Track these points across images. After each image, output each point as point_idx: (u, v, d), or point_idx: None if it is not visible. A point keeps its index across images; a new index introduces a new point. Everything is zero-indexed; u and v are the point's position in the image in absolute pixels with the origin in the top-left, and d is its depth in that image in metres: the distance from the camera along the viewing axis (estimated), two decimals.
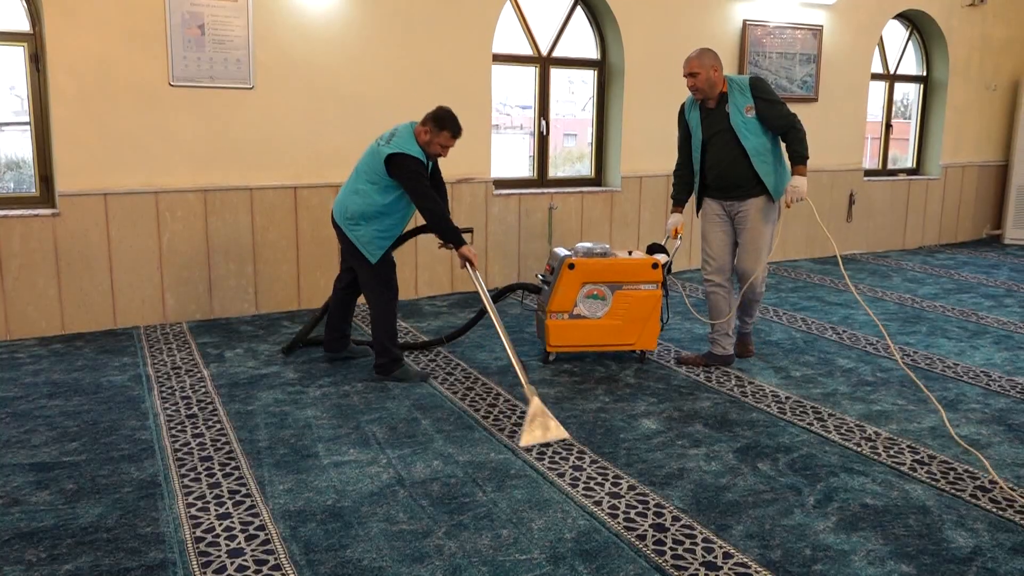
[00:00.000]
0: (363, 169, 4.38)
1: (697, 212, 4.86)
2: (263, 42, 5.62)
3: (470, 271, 4.35)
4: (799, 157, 4.45)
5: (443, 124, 4.31)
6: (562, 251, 4.87)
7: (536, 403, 3.76)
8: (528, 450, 3.56)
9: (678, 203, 4.86)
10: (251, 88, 5.63)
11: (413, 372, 4.52)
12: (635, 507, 3.11)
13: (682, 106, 4.81)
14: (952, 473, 3.43)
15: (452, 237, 4.34)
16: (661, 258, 4.80)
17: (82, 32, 5.14)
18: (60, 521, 2.97)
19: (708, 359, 4.82)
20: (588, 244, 4.88)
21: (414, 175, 4.25)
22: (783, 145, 4.58)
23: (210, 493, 3.18)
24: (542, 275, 4.96)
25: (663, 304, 4.82)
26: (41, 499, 3.12)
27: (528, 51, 6.88)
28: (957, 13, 8.85)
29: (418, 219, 5.35)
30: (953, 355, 5.10)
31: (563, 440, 3.68)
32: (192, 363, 4.78)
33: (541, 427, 3.70)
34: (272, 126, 5.75)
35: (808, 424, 3.95)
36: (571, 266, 4.67)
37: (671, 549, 2.83)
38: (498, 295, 5.15)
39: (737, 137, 4.51)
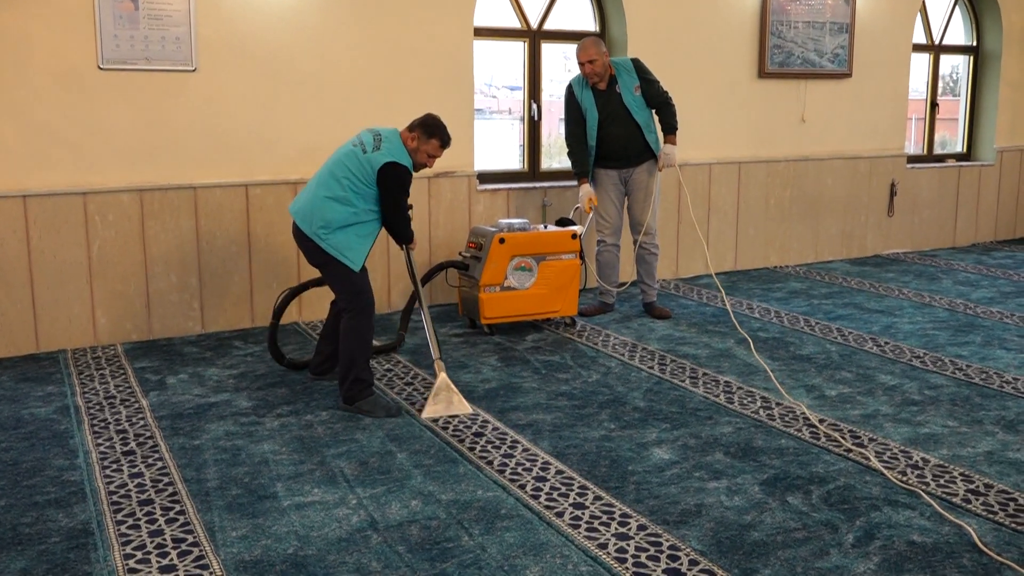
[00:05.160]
0: (341, 174, 4.43)
1: (591, 182, 6.15)
2: (207, 17, 5.65)
3: (405, 252, 4.84)
4: (672, 128, 6.08)
5: (432, 131, 4.55)
6: (486, 228, 5.82)
7: (442, 377, 4.49)
8: (434, 421, 4.29)
9: (583, 175, 6.10)
10: (193, 70, 5.66)
11: (381, 404, 4.47)
12: (646, 550, 3.14)
13: (569, 88, 6.07)
14: (1012, 504, 3.46)
15: (407, 237, 4.73)
16: (578, 229, 5.94)
17: None
18: None
19: (604, 308, 6.38)
20: (509, 220, 5.87)
21: (402, 189, 4.51)
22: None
23: (151, 542, 3.19)
24: (465, 252, 5.87)
25: (582, 272, 6.00)
26: None
27: (516, 23, 6.94)
28: None
29: None
30: (1013, 368, 5.15)
31: (466, 414, 4.38)
32: (128, 391, 4.79)
33: (445, 401, 4.44)
34: (218, 114, 5.78)
35: (845, 451, 3.99)
36: (502, 240, 5.63)
37: None
38: (428, 276, 5.72)
39: (631, 113, 5.96)
